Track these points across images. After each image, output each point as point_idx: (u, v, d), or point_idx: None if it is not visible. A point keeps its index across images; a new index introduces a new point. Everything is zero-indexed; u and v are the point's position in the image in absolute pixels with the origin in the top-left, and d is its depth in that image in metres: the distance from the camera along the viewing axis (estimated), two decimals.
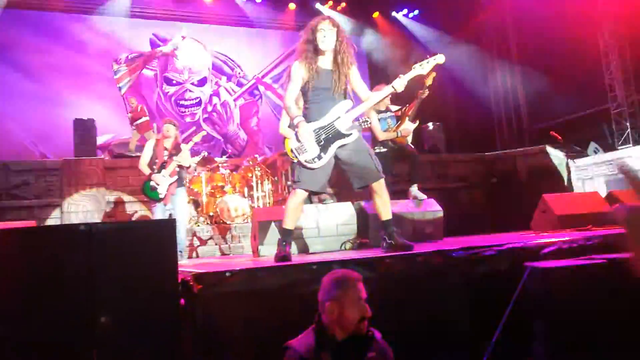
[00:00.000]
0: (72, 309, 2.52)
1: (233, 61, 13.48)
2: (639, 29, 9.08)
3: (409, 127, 5.72)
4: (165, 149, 5.99)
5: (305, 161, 3.74)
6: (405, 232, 4.75)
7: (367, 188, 3.86)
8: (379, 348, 2.41)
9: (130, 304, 2.61)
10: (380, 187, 3.82)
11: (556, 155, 9.33)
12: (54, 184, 7.83)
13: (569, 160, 8.75)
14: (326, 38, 3.74)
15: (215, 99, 13.16)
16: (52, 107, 11.15)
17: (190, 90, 12.90)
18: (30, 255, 2.57)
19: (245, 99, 13.55)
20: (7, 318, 2.49)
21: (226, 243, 7.45)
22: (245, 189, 8.35)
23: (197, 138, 6.31)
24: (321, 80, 3.79)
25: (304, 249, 4.82)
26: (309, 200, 5.64)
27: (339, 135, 3.76)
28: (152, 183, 5.85)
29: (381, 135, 5.72)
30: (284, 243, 3.75)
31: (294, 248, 4.41)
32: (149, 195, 5.92)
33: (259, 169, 8.45)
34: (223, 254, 7.28)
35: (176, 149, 5.98)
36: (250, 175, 8.42)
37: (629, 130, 9.64)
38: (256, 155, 8.91)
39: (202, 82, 13.05)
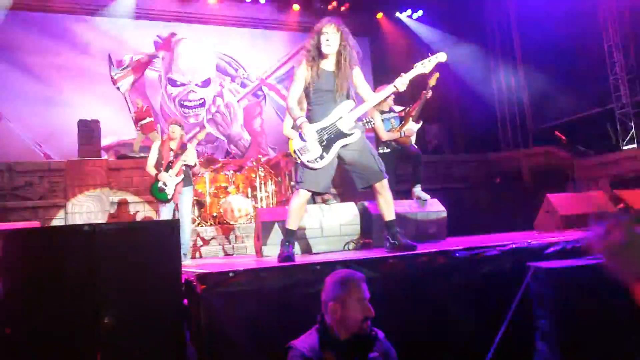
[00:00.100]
0: (75, 310, 2.53)
1: (237, 62, 13.50)
2: None
3: (412, 127, 5.71)
4: (171, 149, 6.00)
5: (308, 161, 3.74)
6: (408, 232, 4.74)
7: (370, 188, 3.86)
8: (382, 348, 2.42)
9: (134, 304, 2.61)
10: (383, 188, 3.82)
11: (560, 155, 9.31)
12: (58, 185, 7.86)
13: (573, 160, 8.73)
14: (329, 42, 3.75)
15: (219, 100, 13.18)
16: (57, 108, 11.19)
17: (194, 92, 12.92)
18: (34, 255, 2.58)
19: (249, 100, 13.57)
20: (11, 318, 2.50)
21: (230, 243, 7.47)
22: (249, 190, 8.37)
23: (201, 136, 6.34)
24: (325, 82, 3.80)
25: (307, 249, 4.82)
26: (312, 200, 5.64)
27: (341, 135, 3.76)
28: (159, 184, 5.85)
29: (385, 136, 5.72)
30: (287, 243, 3.75)
31: (297, 248, 4.41)
32: (157, 196, 5.92)
33: (262, 169, 8.47)
34: (226, 254, 7.29)
35: (182, 149, 5.99)
36: (253, 175, 8.44)
37: (633, 130, 9.62)
38: (260, 156, 8.94)
39: (206, 83, 13.07)
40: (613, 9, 9.92)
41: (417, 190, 5.58)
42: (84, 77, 11.73)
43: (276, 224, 4.76)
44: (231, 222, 7.66)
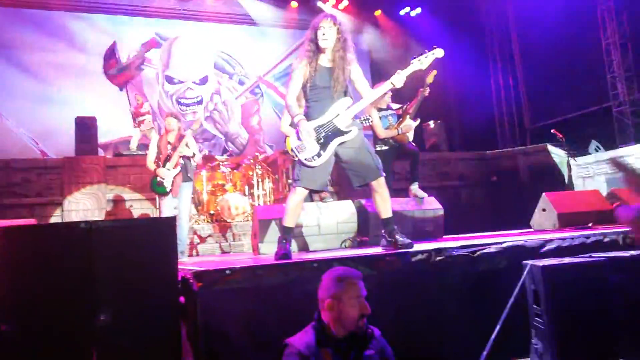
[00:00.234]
0: (71, 307, 2.53)
1: (235, 60, 13.47)
2: None
3: (410, 124, 5.72)
4: (169, 143, 5.95)
5: (305, 159, 3.74)
6: (405, 230, 4.74)
7: (367, 186, 3.86)
8: (378, 345, 2.42)
9: (130, 301, 2.61)
10: (380, 185, 3.81)
11: (557, 154, 9.32)
12: (55, 182, 7.84)
13: (570, 158, 8.74)
14: (326, 36, 3.74)
15: (216, 98, 13.15)
16: (54, 105, 11.16)
17: (191, 89, 12.89)
18: (30, 252, 2.57)
19: (247, 98, 13.55)
20: (8, 315, 2.49)
21: (227, 241, 7.46)
22: (246, 187, 8.36)
23: (195, 125, 6.23)
24: (322, 79, 3.79)
25: (304, 247, 4.82)
26: (310, 198, 5.64)
27: (339, 133, 3.76)
28: (158, 178, 5.82)
29: (382, 133, 5.72)
30: (285, 241, 3.75)
31: (294, 246, 4.41)
32: (157, 190, 5.88)
33: (259, 167, 8.46)
34: (223, 252, 7.29)
35: (179, 141, 5.92)
36: (251, 173, 8.43)
37: (630, 128, 9.63)
38: (257, 154, 8.92)
39: (203, 81, 13.05)
40: (611, 7, 9.93)
41: (415, 188, 5.58)
42: (81, 75, 11.70)
43: (273, 222, 4.76)
44: (228, 220, 7.65)
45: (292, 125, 3.86)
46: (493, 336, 2.87)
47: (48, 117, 11.04)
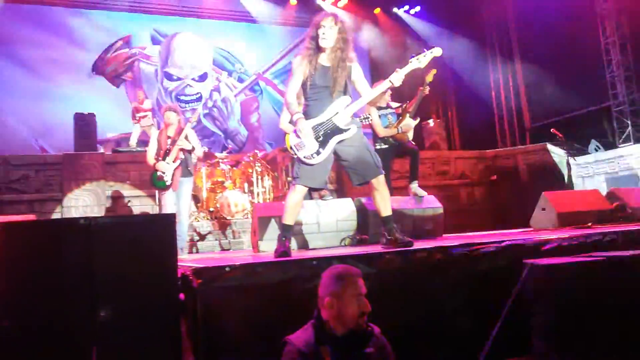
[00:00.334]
0: (71, 303, 2.52)
1: (234, 57, 13.47)
2: None
3: (409, 123, 5.72)
4: (169, 137, 5.87)
5: (304, 157, 3.74)
6: (405, 228, 4.75)
7: (366, 184, 3.85)
8: (378, 343, 2.42)
9: (130, 298, 2.60)
10: (379, 183, 3.81)
11: (557, 153, 9.33)
12: (54, 179, 7.83)
13: (569, 157, 8.75)
14: (326, 35, 3.73)
15: (215, 95, 13.15)
16: (53, 101, 11.15)
17: (190, 86, 12.89)
18: (30, 249, 2.56)
19: (246, 95, 13.55)
20: (7, 311, 2.49)
21: (226, 238, 7.47)
22: (246, 185, 8.36)
23: (194, 118, 6.16)
24: (321, 77, 3.79)
25: (303, 245, 4.82)
26: (309, 196, 5.64)
27: (337, 131, 3.76)
28: (158, 173, 5.75)
29: (382, 132, 5.72)
30: (284, 238, 3.75)
31: (293, 244, 4.41)
32: (157, 185, 5.80)
33: (259, 164, 8.46)
34: (223, 249, 7.29)
35: (179, 135, 5.84)
36: (250, 171, 8.43)
37: (630, 127, 9.64)
38: (256, 151, 8.92)
39: (202, 78, 13.05)
40: (610, 7, 9.93)
41: (414, 186, 5.58)
42: (80, 71, 11.70)
43: (273, 220, 4.76)
44: (228, 217, 7.66)
45: (292, 122, 3.86)
46: (492, 335, 2.87)
47: (47, 113, 11.04)
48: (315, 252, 4.24)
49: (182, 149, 5.80)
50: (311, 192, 5.66)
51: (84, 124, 8.77)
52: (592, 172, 8.71)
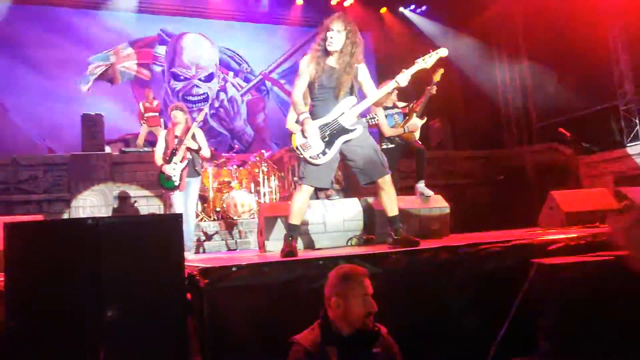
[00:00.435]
0: (78, 304, 2.54)
1: (240, 57, 13.49)
2: None
3: (416, 123, 5.70)
4: (176, 136, 5.83)
5: (310, 157, 3.75)
6: (411, 228, 4.75)
7: (373, 184, 3.85)
8: (385, 343, 2.42)
9: (137, 298, 2.62)
10: (386, 183, 3.81)
11: (564, 152, 9.28)
12: (62, 179, 7.88)
13: (577, 156, 8.71)
14: (333, 39, 3.74)
15: (222, 95, 13.18)
16: (60, 102, 11.21)
17: (197, 86, 12.92)
18: (38, 249, 2.58)
19: (253, 95, 13.56)
20: (15, 312, 2.51)
21: (232, 238, 7.48)
22: (252, 185, 8.37)
23: (200, 117, 6.03)
24: (328, 79, 3.79)
25: (310, 245, 4.82)
26: (315, 196, 5.64)
27: (344, 131, 3.76)
28: (166, 173, 5.72)
29: (388, 132, 5.71)
30: (290, 238, 3.76)
31: (300, 244, 4.41)
32: (165, 185, 5.76)
33: (265, 164, 8.47)
34: (229, 249, 7.30)
35: (187, 134, 5.79)
36: (257, 171, 8.44)
37: (638, 127, 9.58)
38: (263, 151, 8.92)
39: (209, 78, 13.07)
40: (618, 4, 9.86)
41: (421, 186, 5.57)
42: (87, 71, 11.75)
43: (279, 219, 4.76)
44: (234, 217, 7.67)
45: (298, 122, 3.86)
46: (500, 335, 2.86)
47: (55, 113, 11.10)
48: (321, 252, 4.25)
49: (189, 149, 5.77)
50: (317, 192, 5.66)
51: (92, 125, 8.80)
52: (599, 171, 8.66)
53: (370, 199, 5.14)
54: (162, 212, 7.85)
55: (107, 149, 9.48)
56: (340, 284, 2.39)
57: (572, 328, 2.78)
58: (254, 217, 7.64)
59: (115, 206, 7.95)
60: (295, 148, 3.87)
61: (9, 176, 7.65)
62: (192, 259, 5.01)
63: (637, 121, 9.59)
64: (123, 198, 8.08)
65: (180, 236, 2.85)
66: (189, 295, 2.87)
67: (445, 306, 3.19)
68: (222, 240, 7.46)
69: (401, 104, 5.93)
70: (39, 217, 6.08)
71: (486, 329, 2.97)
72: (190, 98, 12.77)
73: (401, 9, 13.93)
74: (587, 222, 5.05)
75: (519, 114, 12.78)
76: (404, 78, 3.75)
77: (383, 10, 13.95)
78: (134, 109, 10.93)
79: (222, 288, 2.77)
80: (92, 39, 11.93)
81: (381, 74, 11.81)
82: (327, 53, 3.79)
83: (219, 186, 8.14)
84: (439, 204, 5.41)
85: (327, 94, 3.81)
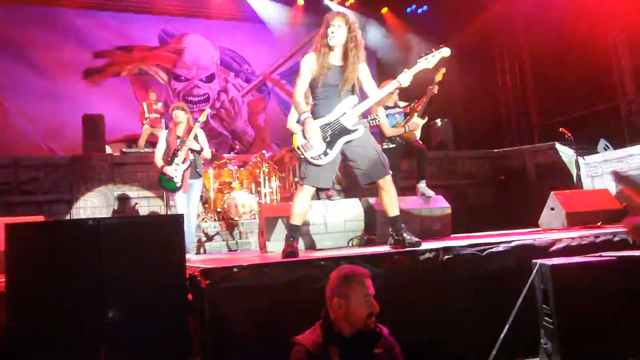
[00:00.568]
0: (79, 304, 2.54)
1: (241, 57, 13.49)
2: None
3: (417, 122, 5.70)
4: (178, 137, 5.74)
5: (312, 158, 3.73)
6: (413, 228, 4.73)
7: (374, 184, 3.84)
8: (386, 344, 2.41)
9: (138, 298, 2.61)
10: (387, 183, 3.80)
11: (565, 152, 9.26)
12: (63, 180, 7.87)
13: (578, 157, 8.69)
14: (335, 34, 3.73)
15: (223, 95, 13.18)
16: (61, 103, 11.22)
17: (198, 87, 12.93)
18: (39, 249, 2.58)
19: (253, 95, 13.57)
20: (16, 312, 2.50)
21: (233, 239, 7.47)
22: (253, 185, 8.36)
23: (202, 117, 5.92)
24: (330, 76, 3.78)
25: (311, 245, 4.82)
26: (317, 196, 5.63)
27: (345, 131, 3.75)
28: (167, 174, 5.65)
29: (389, 132, 5.71)
30: (292, 239, 3.74)
31: (301, 244, 4.41)
32: (167, 186, 5.67)
33: (266, 165, 8.46)
34: (230, 250, 7.29)
35: (188, 134, 5.70)
36: (257, 171, 8.43)
37: (639, 126, 9.56)
38: (264, 152, 8.91)
39: (210, 79, 13.08)
40: (620, 6, 9.85)
41: (422, 186, 5.57)
42: (88, 72, 11.76)
43: (280, 220, 4.76)
44: (235, 218, 7.66)
45: (299, 122, 3.85)
46: (502, 335, 2.85)
47: (56, 114, 11.10)
48: (322, 252, 4.24)
49: (191, 150, 5.69)
50: (318, 192, 5.65)
51: (93, 125, 8.80)
52: (601, 171, 8.64)
53: (372, 200, 5.13)
54: (163, 213, 7.84)
55: (108, 150, 9.49)
56: (341, 285, 2.38)
57: (574, 328, 2.77)
58: (254, 218, 7.63)
59: (116, 207, 7.95)
60: (296, 148, 3.86)
61: (9, 177, 7.65)
62: (193, 259, 5.00)
63: (639, 121, 9.57)
64: (124, 199, 8.08)
65: (181, 237, 2.85)
66: (190, 296, 2.87)
67: (447, 307, 3.18)
68: (223, 240, 7.45)
69: (402, 104, 5.93)
70: (40, 218, 6.08)
71: (488, 330, 2.96)
72: (191, 98, 12.77)
73: (402, 9, 13.92)
74: (589, 222, 5.05)
75: (520, 114, 12.76)
76: (406, 78, 3.73)
77: (384, 10, 13.95)
78: (136, 110, 10.94)
79: (223, 289, 2.77)
80: (93, 40, 11.94)
81: (381, 75, 11.82)
82: (329, 49, 3.78)
83: (220, 187, 8.14)
84: (440, 204, 5.41)
85: (329, 92, 3.79)
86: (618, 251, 3.33)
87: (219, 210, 7.93)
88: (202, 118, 5.93)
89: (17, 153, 8.74)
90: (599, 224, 4.94)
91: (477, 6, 12.30)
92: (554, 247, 3.53)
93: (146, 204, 8.14)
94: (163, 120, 10.32)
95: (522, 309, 2.93)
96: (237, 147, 12.85)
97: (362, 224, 5.09)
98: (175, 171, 5.60)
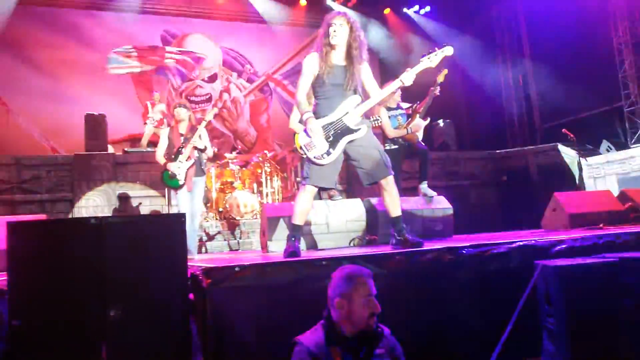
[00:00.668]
0: (81, 302, 2.53)
1: (244, 57, 13.49)
2: None
3: (419, 123, 5.70)
4: (181, 135, 5.71)
5: (314, 157, 3.73)
6: (414, 229, 4.73)
7: (376, 184, 3.84)
8: (388, 344, 2.41)
9: (140, 298, 2.61)
10: (389, 184, 3.80)
11: (568, 153, 9.25)
12: (65, 179, 7.89)
13: (581, 158, 8.68)
14: (337, 33, 3.73)
15: (225, 95, 13.18)
16: (64, 102, 11.22)
17: (200, 87, 12.93)
18: (41, 248, 2.58)
19: (256, 96, 13.56)
20: (18, 310, 2.51)
21: (235, 239, 7.48)
22: (255, 185, 8.37)
23: (209, 116, 5.92)
24: (333, 76, 3.78)
25: (313, 245, 4.82)
26: (319, 196, 5.63)
27: (348, 131, 3.75)
28: (170, 171, 5.62)
29: (391, 133, 5.70)
30: (293, 239, 3.75)
31: (302, 244, 4.40)
32: (169, 184, 5.64)
33: (268, 165, 8.47)
34: (232, 249, 7.30)
35: (192, 132, 5.67)
36: (259, 171, 8.44)
37: None
38: (266, 152, 8.92)
39: (212, 78, 13.08)
40: (623, 7, 9.84)
41: (424, 187, 5.56)
42: (91, 72, 11.76)
43: (282, 220, 4.76)
44: (237, 218, 7.66)
45: (302, 122, 3.84)
46: (504, 336, 2.85)
47: (58, 114, 11.11)
48: (324, 252, 4.23)
49: (195, 147, 5.65)
50: (320, 192, 5.65)
51: (95, 125, 8.80)
52: (603, 172, 8.63)
53: (373, 200, 5.13)
54: (165, 211, 7.84)
55: (111, 149, 9.49)
56: (343, 285, 2.38)
57: (576, 329, 2.76)
58: (256, 218, 7.64)
59: (118, 206, 7.96)
60: (298, 148, 3.86)
61: (12, 176, 7.66)
62: (195, 259, 5.00)
63: None
64: (126, 198, 8.09)
65: (183, 236, 2.85)
66: (191, 295, 2.87)
67: (449, 307, 3.18)
68: (225, 240, 7.46)
69: (405, 105, 5.93)
70: (42, 217, 6.08)
71: (490, 331, 2.96)
72: (194, 98, 12.77)
73: (404, 9, 13.91)
74: (592, 223, 5.03)
75: (523, 114, 12.75)
76: (408, 77, 3.73)
77: (387, 11, 13.94)
78: (138, 109, 10.93)
79: (224, 288, 2.77)
80: (96, 40, 11.94)
81: (384, 75, 11.81)
82: (331, 49, 3.77)
83: (222, 186, 8.15)
84: (442, 205, 5.41)
85: (332, 91, 3.79)
86: (620, 252, 3.32)
87: (220, 209, 7.93)
88: (209, 117, 5.92)
89: (20, 152, 8.74)
90: (601, 225, 4.93)
91: (480, 6, 12.31)
92: (556, 248, 3.53)
93: (148, 202, 8.15)
94: (165, 121, 10.32)
95: (524, 309, 2.92)
96: (239, 147, 12.86)
97: (364, 224, 5.08)
98: (179, 168, 5.59)
